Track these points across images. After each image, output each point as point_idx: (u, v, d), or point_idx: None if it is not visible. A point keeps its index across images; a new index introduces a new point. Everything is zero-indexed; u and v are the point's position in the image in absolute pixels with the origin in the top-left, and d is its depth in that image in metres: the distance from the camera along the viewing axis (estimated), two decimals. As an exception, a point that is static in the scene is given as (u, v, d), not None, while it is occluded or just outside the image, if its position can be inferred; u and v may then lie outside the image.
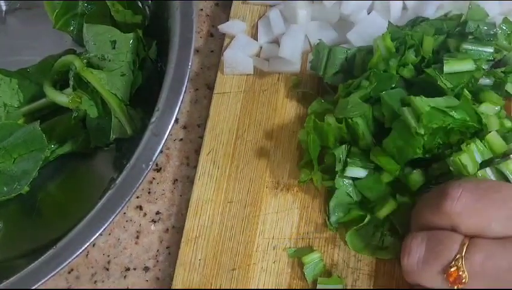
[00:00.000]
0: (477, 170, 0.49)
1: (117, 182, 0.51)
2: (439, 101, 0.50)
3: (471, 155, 0.49)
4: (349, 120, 0.54)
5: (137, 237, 0.60)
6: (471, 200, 0.44)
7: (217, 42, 0.69)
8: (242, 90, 0.63)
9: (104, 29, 0.60)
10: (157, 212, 0.61)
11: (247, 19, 0.68)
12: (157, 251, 0.59)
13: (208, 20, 0.71)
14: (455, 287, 0.44)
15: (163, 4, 0.60)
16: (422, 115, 0.49)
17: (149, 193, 0.61)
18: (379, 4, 0.63)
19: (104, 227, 0.49)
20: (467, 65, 0.53)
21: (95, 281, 0.58)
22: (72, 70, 0.60)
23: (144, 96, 0.60)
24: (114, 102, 0.58)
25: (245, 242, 0.56)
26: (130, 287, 0.57)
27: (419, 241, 0.46)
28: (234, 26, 0.67)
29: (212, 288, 0.54)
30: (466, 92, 0.52)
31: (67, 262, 0.48)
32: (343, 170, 0.54)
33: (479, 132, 0.51)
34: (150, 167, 0.51)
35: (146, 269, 0.58)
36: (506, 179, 0.48)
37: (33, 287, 0.48)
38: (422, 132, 0.49)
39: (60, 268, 0.48)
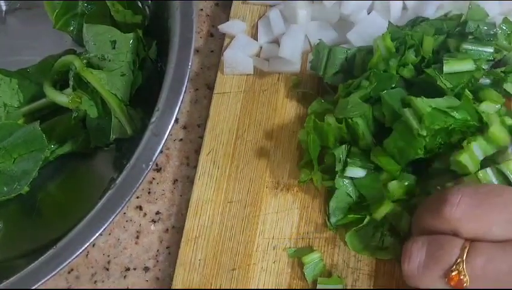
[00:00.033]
0: (478, 170, 0.49)
1: (117, 182, 0.51)
2: (440, 102, 0.50)
3: (471, 154, 0.49)
4: (349, 120, 0.54)
5: (137, 237, 0.59)
6: (470, 205, 0.44)
7: (217, 42, 0.69)
8: (242, 90, 0.63)
9: (104, 29, 0.60)
10: (157, 212, 0.61)
11: (247, 19, 0.67)
12: (157, 251, 0.59)
13: (207, 20, 0.71)
14: None
15: (163, 4, 0.60)
16: (424, 116, 0.49)
17: (149, 193, 0.61)
18: (379, 4, 0.63)
19: (104, 227, 0.49)
20: (467, 65, 0.53)
21: (95, 281, 0.58)
22: (72, 70, 0.60)
23: (144, 96, 0.60)
24: (114, 102, 0.58)
25: (245, 242, 0.56)
26: (130, 287, 0.57)
27: (420, 245, 0.46)
28: (234, 26, 0.66)
29: (212, 288, 0.54)
30: (467, 92, 0.52)
31: (67, 262, 0.48)
32: (343, 170, 0.54)
33: (479, 130, 0.51)
34: (150, 167, 0.51)
35: (146, 269, 0.58)
36: (507, 179, 0.48)
37: (33, 287, 0.48)
38: (425, 134, 0.49)
39: (60, 268, 0.48)
